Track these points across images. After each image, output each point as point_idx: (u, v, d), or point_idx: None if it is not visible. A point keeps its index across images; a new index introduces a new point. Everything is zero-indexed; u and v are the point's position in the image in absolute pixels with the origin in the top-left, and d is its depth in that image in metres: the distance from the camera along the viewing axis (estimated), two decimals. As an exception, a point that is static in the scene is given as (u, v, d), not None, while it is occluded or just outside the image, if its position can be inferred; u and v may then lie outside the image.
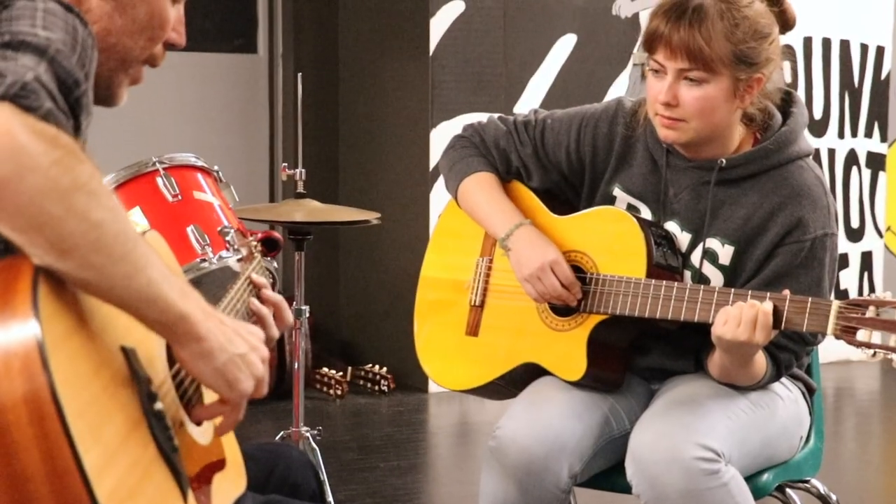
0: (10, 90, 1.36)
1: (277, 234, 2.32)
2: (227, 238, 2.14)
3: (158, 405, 1.49)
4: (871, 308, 2.15)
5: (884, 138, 6.35)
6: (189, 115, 5.95)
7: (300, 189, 3.48)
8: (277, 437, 3.61)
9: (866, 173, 6.31)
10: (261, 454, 2.01)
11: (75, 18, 1.49)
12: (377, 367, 5.56)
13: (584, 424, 2.44)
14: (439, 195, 5.54)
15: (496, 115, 2.72)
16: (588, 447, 2.44)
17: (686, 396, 2.42)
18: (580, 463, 2.42)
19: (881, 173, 6.35)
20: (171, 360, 1.61)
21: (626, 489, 2.42)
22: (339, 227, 5.55)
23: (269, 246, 2.29)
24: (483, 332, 2.64)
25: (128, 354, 1.47)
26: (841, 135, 6.25)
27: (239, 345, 1.55)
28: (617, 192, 2.56)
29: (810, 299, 2.25)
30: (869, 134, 6.29)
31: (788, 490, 2.60)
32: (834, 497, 2.66)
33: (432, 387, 5.55)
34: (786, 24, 2.47)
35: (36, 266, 1.35)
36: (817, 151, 6.16)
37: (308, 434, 3.54)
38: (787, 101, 2.52)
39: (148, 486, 1.43)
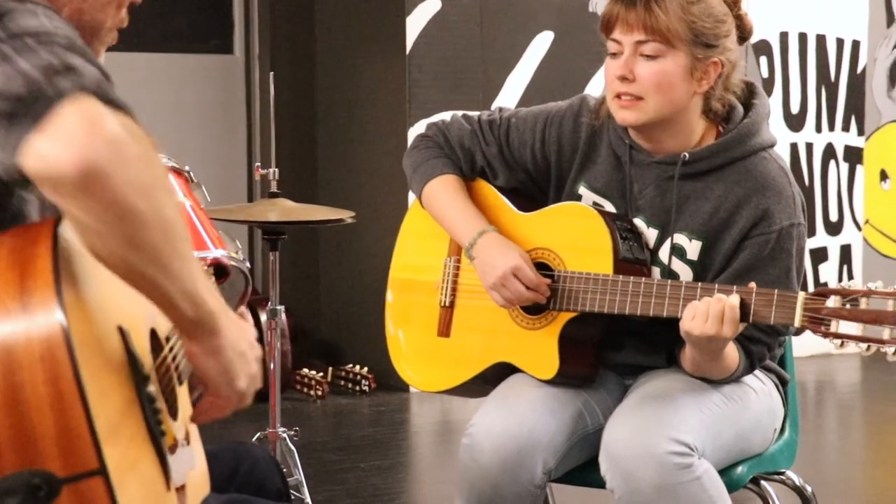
0: (94, 85, 1.38)
1: (226, 262, 2.31)
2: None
3: (151, 388, 1.50)
4: (837, 298, 2.16)
5: (861, 132, 6.37)
6: (166, 117, 5.93)
7: (273, 188, 3.47)
8: (254, 439, 3.60)
9: (844, 167, 6.33)
10: (225, 454, 2.01)
11: (64, 23, 1.51)
12: (358, 367, 5.56)
13: (557, 420, 2.44)
14: (417, 194, 5.53)
15: (460, 113, 2.70)
16: (562, 443, 2.44)
17: (659, 391, 2.42)
18: (554, 458, 2.42)
19: (859, 167, 6.37)
20: (154, 350, 1.62)
21: (600, 484, 2.42)
22: (318, 227, 5.55)
23: (218, 273, 2.30)
24: (455, 332, 2.64)
25: (124, 335, 1.48)
26: (818, 129, 6.26)
27: (242, 342, 1.58)
28: (582, 190, 2.56)
29: (776, 291, 2.25)
30: (846, 128, 6.31)
31: (763, 482, 2.60)
32: (809, 489, 2.66)
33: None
34: (743, 31, 2.49)
35: (55, 234, 1.37)
36: (795, 146, 6.18)
37: (285, 435, 3.54)
38: (748, 94, 2.53)
39: (140, 464, 1.43)
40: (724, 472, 2.44)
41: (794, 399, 2.70)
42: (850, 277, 6.35)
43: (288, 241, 3.57)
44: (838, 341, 2.15)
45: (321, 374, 5.51)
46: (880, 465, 4.77)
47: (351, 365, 5.60)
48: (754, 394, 2.51)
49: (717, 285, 2.32)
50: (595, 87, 5.76)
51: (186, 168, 3.14)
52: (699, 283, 2.34)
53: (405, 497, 4.31)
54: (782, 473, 2.65)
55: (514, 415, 2.42)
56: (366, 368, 5.53)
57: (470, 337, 2.61)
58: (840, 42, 6.26)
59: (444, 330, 2.65)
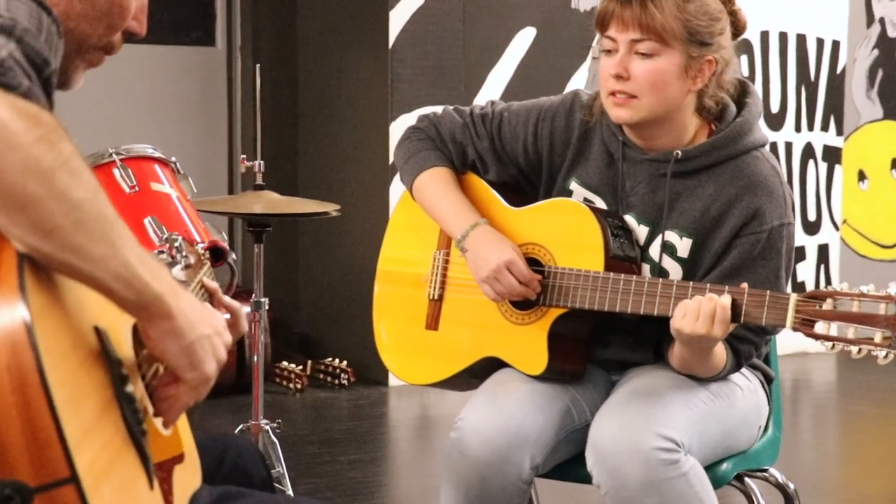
0: None
1: (223, 244, 2.29)
2: (176, 245, 2.13)
3: (129, 388, 1.48)
4: (829, 300, 2.16)
5: (840, 132, 6.40)
6: (147, 109, 5.91)
7: (259, 181, 3.46)
8: (237, 431, 3.59)
9: (823, 167, 6.36)
10: (210, 444, 2.00)
11: (39, 8, 1.48)
12: (337, 360, 5.55)
13: (545, 416, 2.44)
14: (399, 188, 5.51)
15: (451, 107, 2.71)
16: (550, 438, 2.44)
17: (646, 387, 2.43)
18: (542, 454, 2.43)
19: (837, 166, 6.40)
20: (136, 346, 1.61)
21: (586, 479, 2.43)
22: (298, 219, 5.55)
23: (214, 256, 2.27)
24: (443, 326, 2.64)
25: (101, 335, 1.46)
26: (798, 128, 6.29)
27: (205, 327, 1.54)
28: (574, 185, 2.56)
29: (769, 293, 2.26)
30: (825, 127, 6.34)
31: (747, 479, 2.62)
32: (792, 486, 2.68)
33: (392, 380, 5.54)
34: (737, 27, 2.50)
35: None
36: (774, 145, 6.21)
37: (268, 427, 3.53)
38: (741, 92, 2.54)
39: (119, 466, 1.41)
40: (710, 468, 2.45)
41: (779, 397, 2.72)
42: (828, 277, 6.39)
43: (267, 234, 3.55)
44: (829, 343, 2.15)
45: (300, 367, 5.50)
46: (854, 463, 4.80)
47: (330, 358, 5.59)
48: (741, 391, 2.52)
49: (708, 285, 2.32)
50: (577, 83, 5.77)
51: (173, 159, 3.13)
52: (691, 283, 2.35)
53: (385, 490, 4.31)
54: (765, 470, 2.67)
55: (503, 410, 2.43)
56: (345, 362, 5.53)
57: (458, 331, 2.61)
58: (820, 42, 6.28)
59: (433, 323, 2.65)
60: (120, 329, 1.55)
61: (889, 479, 4.57)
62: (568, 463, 2.52)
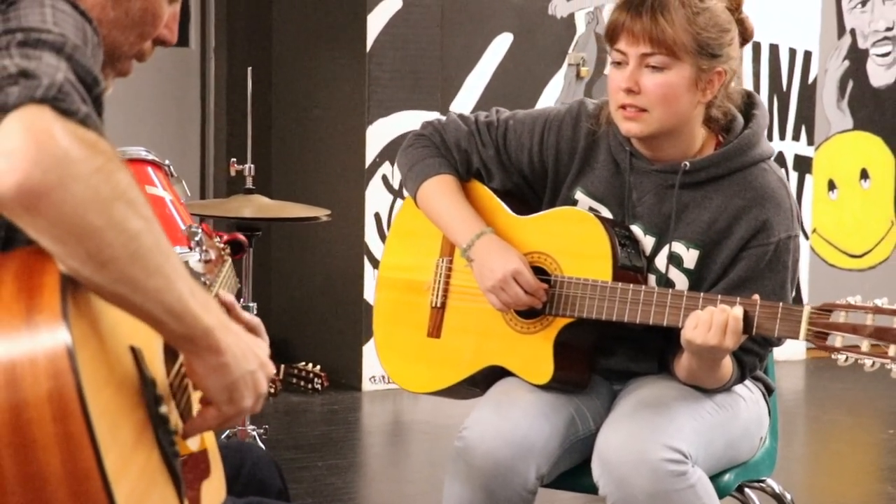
0: (49, 93, 1.29)
1: (242, 237, 2.27)
2: (196, 239, 2.10)
3: (163, 409, 1.45)
4: (842, 313, 2.17)
5: (811, 142, 6.44)
6: (118, 109, 5.85)
7: (249, 185, 3.44)
8: (223, 436, 3.56)
9: (793, 176, 6.40)
10: (227, 452, 1.98)
11: (82, 17, 1.45)
12: (310, 364, 5.51)
13: (551, 425, 2.44)
14: (375, 192, 5.51)
15: (455, 113, 2.69)
16: (555, 448, 2.44)
17: (652, 398, 2.43)
18: (548, 464, 2.42)
19: (808, 176, 6.45)
20: (168, 363, 1.58)
21: (590, 489, 2.42)
22: (272, 223, 5.51)
23: (234, 249, 2.25)
24: (445, 333, 2.63)
25: (136, 355, 1.43)
26: (769, 137, 6.33)
27: (251, 361, 1.50)
28: (579, 195, 2.55)
29: (781, 304, 2.26)
30: (796, 137, 6.38)
31: (747, 489, 2.62)
32: (789, 496, 2.69)
33: (366, 385, 5.53)
34: (745, 34, 2.50)
35: None
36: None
37: (254, 433, 3.50)
38: (748, 103, 2.54)
39: (154, 492, 1.39)
40: (713, 479, 2.45)
41: (776, 407, 2.73)
42: (798, 286, 6.43)
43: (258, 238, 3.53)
44: (842, 356, 2.16)
45: (273, 371, 5.45)
46: (824, 473, 4.82)
47: (303, 363, 5.55)
48: (744, 402, 2.53)
49: (719, 296, 2.32)
50: (553, 90, 5.78)
51: (167, 162, 3.11)
52: (701, 294, 2.34)
53: (363, 496, 4.30)
54: (763, 481, 2.68)
55: (508, 419, 2.42)
56: (318, 366, 5.49)
57: (461, 339, 2.60)
58: (793, 52, 6.33)
59: (435, 331, 2.64)
60: (153, 346, 1.52)
61: (866, 486, 4.61)
62: (572, 472, 2.52)
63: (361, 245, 5.50)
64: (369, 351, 5.54)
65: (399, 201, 5.53)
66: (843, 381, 5.94)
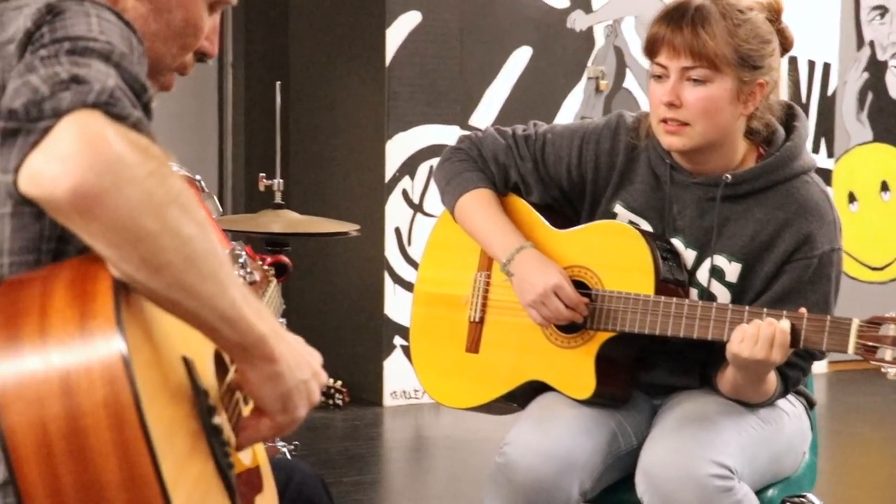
0: (101, 98, 1.29)
1: (286, 259, 2.25)
2: (241, 261, 2.09)
3: (217, 419, 1.44)
4: (892, 325, 2.15)
5: (830, 154, 6.43)
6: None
7: (278, 200, 3.42)
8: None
9: (813, 188, 6.37)
10: (275, 469, 1.96)
11: (127, 27, 1.44)
12: (332, 380, 5.50)
13: (593, 441, 2.41)
14: (395, 207, 5.50)
15: (493, 127, 2.67)
16: (598, 464, 2.41)
17: (696, 413, 2.40)
18: (591, 480, 2.40)
19: (828, 188, 6.42)
20: (219, 373, 1.56)
21: (632, 505, 2.40)
22: (292, 238, 5.49)
23: (278, 271, 2.23)
24: (484, 348, 2.60)
25: (188, 365, 1.42)
26: (789, 150, 6.31)
27: (304, 370, 1.49)
28: (618, 208, 2.53)
29: (829, 318, 2.24)
30: (816, 149, 6.36)
31: (788, 505, 2.60)
32: (829, 512, 2.67)
33: (387, 400, 5.51)
34: (785, 44, 2.48)
35: None
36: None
37: (285, 449, 3.48)
38: (789, 115, 2.52)
39: (209, 501, 1.38)
40: (757, 494, 2.43)
41: (815, 422, 2.70)
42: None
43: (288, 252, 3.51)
44: (892, 369, 2.13)
45: (327, 380, 5.44)
46: (855, 486, 4.79)
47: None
48: (787, 417, 2.50)
49: (765, 309, 2.30)
50: (572, 103, 5.77)
51: (198, 177, 3.09)
52: (746, 307, 2.32)
53: (389, 513, 4.28)
54: (804, 496, 2.65)
55: (550, 435, 2.39)
56: (339, 382, 5.48)
57: (500, 354, 2.58)
58: (812, 64, 6.31)
59: (473, 346, 2.61)
60: (204, 357, 1.51)
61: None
62: (614, 488, 2.49)
63: (382, 260, 5.48)
64: (390, 366, 5.52)
65: (419, 216, 5.51)
66: (864, 394, 5.91)
